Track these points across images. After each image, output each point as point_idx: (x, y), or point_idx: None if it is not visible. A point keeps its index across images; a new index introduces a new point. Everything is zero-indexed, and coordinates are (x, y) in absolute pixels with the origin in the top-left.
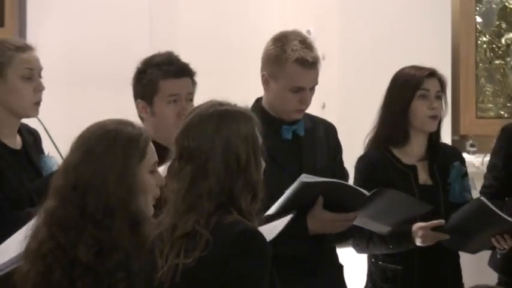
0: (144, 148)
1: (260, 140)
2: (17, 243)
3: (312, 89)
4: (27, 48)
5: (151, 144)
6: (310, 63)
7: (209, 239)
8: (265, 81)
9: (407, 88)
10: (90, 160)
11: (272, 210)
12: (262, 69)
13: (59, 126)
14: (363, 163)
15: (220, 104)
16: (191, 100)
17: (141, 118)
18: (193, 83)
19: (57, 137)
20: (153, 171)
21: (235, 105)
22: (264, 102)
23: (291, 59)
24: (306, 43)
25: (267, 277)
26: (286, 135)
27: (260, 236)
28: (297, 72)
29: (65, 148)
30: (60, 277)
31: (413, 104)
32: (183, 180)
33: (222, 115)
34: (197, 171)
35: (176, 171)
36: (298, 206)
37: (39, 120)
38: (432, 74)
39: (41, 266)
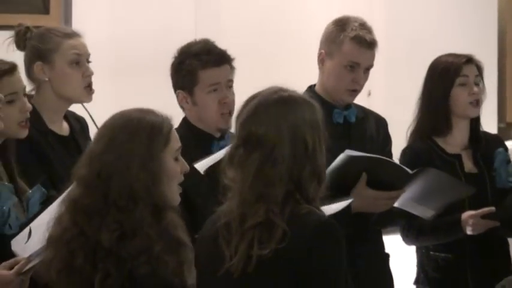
0: (167, 135)
1: (322, 124)
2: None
3: (366, 72)
4: (74, 34)
5: (175, 131)
6: (367, 43)
7: (286, 230)
8: (322, 60)
9: (446, 76)
10: (114, 148)
11: None
12: (320, 47)
13: (105, 114)
14: (407, 155)
15: (283, 89)
16: (231, 87)
17: (182, 107)
18: (232, 69)
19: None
20: (177, 158)
21: (293, 90)
22: (317, 87)
23: (349, 37)
24: (365, 26)
25: (345, 266)
26: (337, 119)
27: (336, 226)
28: (354, 49)
29: None
30: (83, 262)
31: (454, 91)
32: (249, 168)
33: (287, 101)
34: (265, 159)
35: (241, 159)
36: (341, 183)
37: (84, 107)
38: (469, 60)
39: (64, 252)
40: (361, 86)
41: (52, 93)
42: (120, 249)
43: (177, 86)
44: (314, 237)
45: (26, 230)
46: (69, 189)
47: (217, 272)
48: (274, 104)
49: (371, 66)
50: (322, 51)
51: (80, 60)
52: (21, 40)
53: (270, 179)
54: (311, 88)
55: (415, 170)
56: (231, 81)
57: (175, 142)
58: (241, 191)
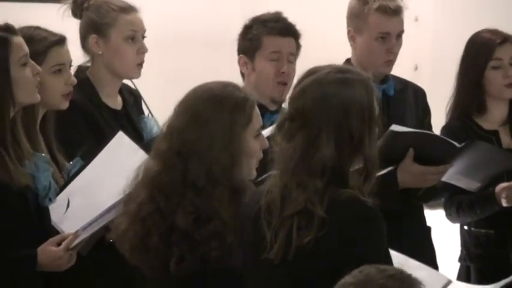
0: (250, 113)
1: (377, 109)
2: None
3: (398, 39)
4: (131, 9)
5: (257, 109)
6: (392, 10)
7: (325, 218)
8: (352, 37)
9: (479, 59)
10: (196, 125)
11: None
12: (348, 25)
13: (153, 88)
14: (445, 134)
15: (341, 70)
16: (292, 62)
17: (242, 74)
18: (298, 46)
19: (150, 98)
20: (258, 136)
21: (355, 70)
22: (353, 61)
23: (373, 8)
24: None
25: (384, 253)
26: None
27: (377, 213)
28: (380, 19)
29: (159, 110)
30: (158, 242)
31: (487, 73)
32: (294, 148)
33: (341, 83)
34: (309, 141)
35: (287, 133)
36: (388, 158)
37: (132, 81)
38: (505, 40)
39: (139, 228)
40: (396, 54)
41: (104, 67)
42: (195, 233)
43: (240, 50)
44: (353, 224)
45: (63, 199)
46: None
47: (260, 255)
48: (327, 84)
49: (402, 32)
50: (350, 28)
51: (136, 36)
52: (78, 9)
53: (311, 166)
54: (348, 62)
55: (463, 144)
56: (293, 55)
57: (257, 121)
58: (282, 172)
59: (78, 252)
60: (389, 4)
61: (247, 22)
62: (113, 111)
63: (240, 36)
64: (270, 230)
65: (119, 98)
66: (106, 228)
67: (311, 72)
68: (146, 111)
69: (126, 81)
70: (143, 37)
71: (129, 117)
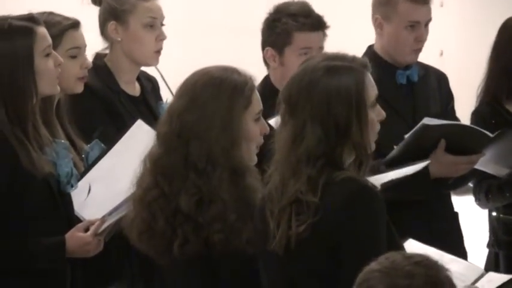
0: (249, 96)
1: (370, 93)
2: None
3: (426, 26)
4: None
5: (257, 92)
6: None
7: (317, 204)
8: (379, 25)
9: (511, 45)
10: (195, 107)
11: (393, 153)
12: (374, 13)
13: (176, 74)
14: (474, 119)
15: (329, 58)
16: None
17: (267, 64)
18: (325, 36)
19: (174, 85)
20: (258, 120)
21: (350, 57)
22: (376, 47)
23: None
24: None
25: (384, 232)
26: (400, 80)
27: (373, 193)
28: (410, 8)
29: None
30: (164, 225)
31: None
32: (285, 138)
33: (326, 72)
34: (296, 131)
35: (282, 124)
36: (419, 149)
37: (156, 68)
38: None
39: (145, 214)
40: (424, 42)
41: (123, 53)
42: (198, 215)
43: (267, 42)
44: (348, 203)
45: (84, 187)
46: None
47: (266, 244)
48: (312, 74)
49: (430, 20)
50: (378, 16)
51: (155, 24)
52: None
53: (299, 155)
54: (370, 48)
55: (495, 133)
56: (322, 48)
57: (257, 104)
58: (279, 161)
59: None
60: None
61: (273, 12)
62: (131, 97)
63: (265, 28)
64: (272, 220)
65: (137, 85)
66: None
67: (305, 60)
68: (165, 97)
69: (150, 69)
70: (162, 24)
71: (147, 103)
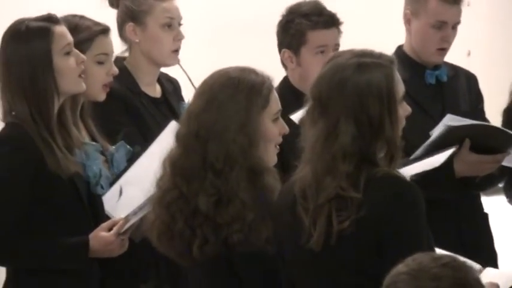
0: (267, 96)
1: (399, 88)
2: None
3: (454, 28)
4: None
5: (275, 92)
6: None
7: (361, 199)
8: (408, 20)
9: None
10: (212, 108)
11: (417, 153)
12: (405, 7)
13: (202, 74)
14: (506, 116)
15: (358, 54)
16: (337, 50)
17: (285, 66)
18: (339, 33)
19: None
20: (276, 119)
21: (377, 53)
22: (405, 47)
23: None
24: None
25: (426, 227)
26: (429, 80)
27: (414, 188)
28: (439, 6)
29: None
30: (183, 226)
31: None
32: (317, 136)
33: (357, 68)
34: (329, 129)
35: (311, 122)
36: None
37: (181, 67)
38: None
39: (165, 215)
40: (450, 44)
41: (142, 55)
42: (217, 215)
43: (283, 44)
44: (390, 200)
45: (116, 188)
46: (163, 141)
47: (299, 241)
48: (342, 71)
49: (458, 22)
50: (407, 11)
51: (172, 24)
52: None
53: (335, 153)
54: (400, 49)
55: None
56: (338, 45)
57: (275, 104)
58: (311, 159)
59: (130, 239)
60: None
61: (285, 14)
62: (152, 99)
63: (280, 30)
64: (307, 217)
65: (158, 87)
66: None
67: (332, 58)
68: (187, 98)
69: (172, 69)
70: (179, 24)
71: (169, 104)
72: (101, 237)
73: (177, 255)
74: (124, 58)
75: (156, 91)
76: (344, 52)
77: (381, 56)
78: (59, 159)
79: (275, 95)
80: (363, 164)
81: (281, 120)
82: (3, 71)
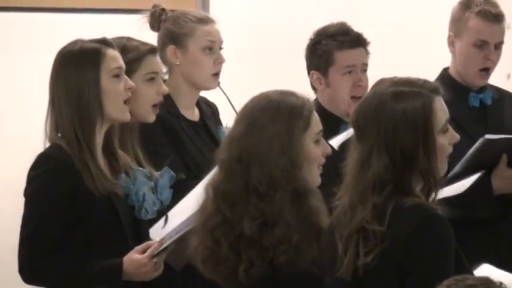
0: (308, 117)
1: (439, 118)
2: (184, 209)
3: (498, 48)
4: (208, 20)
5: (316, 114)
6: (493, 16)
7: (384, 232)
8: (451, 43)
9: None
10: (254, 131)
11: (455, 170)
12: (449, 30)
13: (242, 97)
14: None
15: (398, 83)
16: (365, 71)
17: (314, 89)
18: (367, 53)
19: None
20: (318, 141)
21: (420, 82)
22: (451, 69)
23: (473, 13)
24: (490, 1)
25: (452, 261)
26: (473, 103)
27: (442, 220)
28: (480, 25)
29: None
30: (228, 251)
31: None
32: (355, 163)
33: (393, 97)
34: (364, 156)
35: (352, 148)
36: (481, 165)
37: (222, 90)
38: None
39: (209, 240)
40: (494, 63)
41: (182, 78)
42: (262, 238)
43: (311, 66)
44: (416, 231)
45: (163, 218)
46: (210, 174)
47: (334, 266)
48: (379, 98)
49: (501, 42)
50: (451, 33)
51: (213, 47)
52: (156, 21)
53: (367, 182)
54: (445, 71)
55: None
56: (366, 65)
57: (316, 125)
58: (348, 185)
59: (170, 266)
60: (491, 9)
61: (313, 37)
62: (191, 122)
63: (308, 52)
64: (341, 244)
65: (196, 110)
66: None
67: (375, 84)
68: (225, 122)
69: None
70: (220, 48)
71: (207, 128)
72: (134, 259)
73: (223, 280)
74: (164, 81)
75: (194, 115)
76: (386, 79)
77: (423, 84)
78: (96, 179)
79: (316, 116)
80: (395, 193)
81: (323, 141)
82: (53, 90)
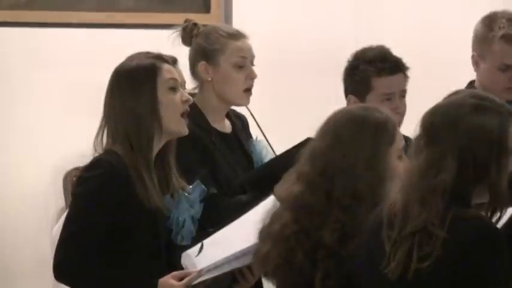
0: (392, 133)
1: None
2: (241, 232)
3: None
4: (240, 35)
5: (399, 130)
6: None
7: (447, 238)
8: (475, 62)
9: None
10: (339, 146)
11: None
12: (472, 49)
13: (265, 113)
14: None
15: (478, 96)
16: (404, 96)
17: None
18: (406, 78)
19: (263, 123)
20: (401, 156)
21: (499, 101)
22: (476, 84)
23: (497, 36)
24: None
25: (508, 274)
26: None
27: (502, 235)
28: (504, 49)
29: (271, 134)
30: (303, 259)
31: None
32: (418, 166)
33: (474, 109)
34: (432, 161)
35: (415, 150)
36: None
37: (247, 107)
38: None
39: (282, 248)
40: None
41: (213, 93)
42: (341, 249)
43: (349, 90)
44: (476, 245)
45: (198, 245)
46: (267, 201)
47: (378, 267)
48: (459, 107)
49: None
50: (474, 53)
51: (245, 64)
52: (188, 36)
53: (434, 187)
54: (471, 84)
55: None
56: (405, 91)
57: (400, 140)
58: (405, 188)
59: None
60: None
61: (351, 60)
62: (223, 134)
63: (346, 76)
64: (389, 245)
65: (227, 122)
66: (233, 279)
67: (451, 94)
68: (255, 134)
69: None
70: (252, 64)
71: (239, 140)
72: (170, 285)
73: (294, 287)
74: (194, 95)
75: (226, 127)
76: (464, 90)
77: (502, 105)
78: (149, 190)
79: (400, 132)
80: (454, 202)
81: (405, 157)
82: (109, 103)
